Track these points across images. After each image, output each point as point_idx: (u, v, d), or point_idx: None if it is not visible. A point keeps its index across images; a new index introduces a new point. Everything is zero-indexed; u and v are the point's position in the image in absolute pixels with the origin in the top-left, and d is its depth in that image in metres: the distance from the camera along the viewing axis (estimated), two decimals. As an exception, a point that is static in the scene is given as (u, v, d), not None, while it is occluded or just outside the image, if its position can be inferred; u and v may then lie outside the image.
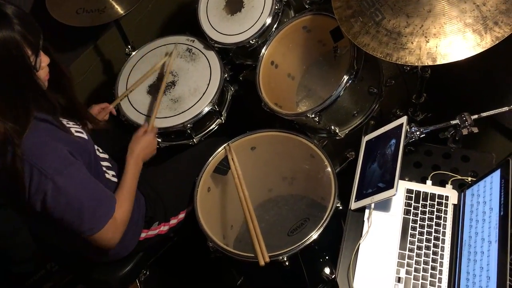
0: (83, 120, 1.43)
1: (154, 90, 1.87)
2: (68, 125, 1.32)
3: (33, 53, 1.17)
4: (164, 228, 1.65)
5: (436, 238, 1.31)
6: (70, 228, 1.26)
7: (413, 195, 1.39)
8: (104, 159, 1.49)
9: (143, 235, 1.60)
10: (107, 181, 1.45)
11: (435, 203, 1.37)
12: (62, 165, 1.20)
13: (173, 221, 1.67)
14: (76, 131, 1.33)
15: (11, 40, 1.11)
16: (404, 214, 1.37)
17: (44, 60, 1.23)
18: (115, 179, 1.50)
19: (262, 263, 1.37)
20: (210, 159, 1.67)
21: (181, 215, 1.68)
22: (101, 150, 1.51)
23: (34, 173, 1.16)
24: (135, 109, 1.84)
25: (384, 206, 1.38)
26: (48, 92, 1.26)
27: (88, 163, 1.32)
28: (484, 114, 1.38)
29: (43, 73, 1.24)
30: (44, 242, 1.64)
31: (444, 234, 1.32)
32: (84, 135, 1.36)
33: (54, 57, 1.27)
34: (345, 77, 1.53)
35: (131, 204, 1.43)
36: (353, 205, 1.41)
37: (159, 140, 1.81)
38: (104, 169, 1.47)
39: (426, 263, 1.28)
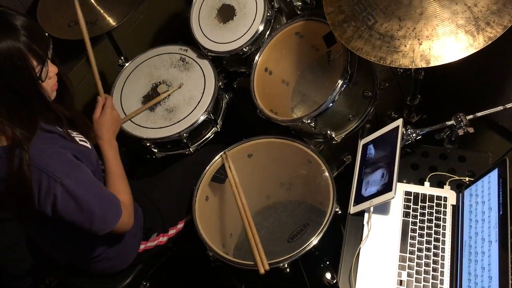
0: (86, 131, 1.44)
1: (148, 101, 1.86)
2: (72, 135, 1.33)
3: (39, 64, 1.17)
4: (163, 239, 1.64)
5: (436, 240, 1.31)
6: (82, 230, 1.28)
7: (412, 197, 1.39)
8: (104, 171, 1.49)
9: (142, 246, 1.59)
10: None
11: (434, 204, 1.37)
12: (69, 168, 1.22)
13: (172, 231, 1.66)
14: (81, 140, 1.35)
15: (16, 51, 1.11)
16: (403, 217, 1.37)
17: (52, 70, 1.24)
18: None
19: (262, 271, 1.37)
20: (207, 168, 1.66)
21: (180, 225, 1.68)
22: (100, 163, 1.51)
23: (42, 178, 1.17)
24: (131, 120, 1.83)
25: (383, 209, 1.38)
26: (52, 103, 1.27)
27: (93, 172, 1.32)
28: (479, 114, 1.38)
29: (51, 83, 1.25)
30: (43, 255, 1.63)
31: (444, 235, 1.32)
32: (88, 145, 1.37)
33: (60, 69, 1.28)
34: (340, 82, 1.53)
35: (127, 183, 1.47)
36: (352, 209, 1.41)
37: (155, 150, 1.81)
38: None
39: (427, 265, 1.28)
